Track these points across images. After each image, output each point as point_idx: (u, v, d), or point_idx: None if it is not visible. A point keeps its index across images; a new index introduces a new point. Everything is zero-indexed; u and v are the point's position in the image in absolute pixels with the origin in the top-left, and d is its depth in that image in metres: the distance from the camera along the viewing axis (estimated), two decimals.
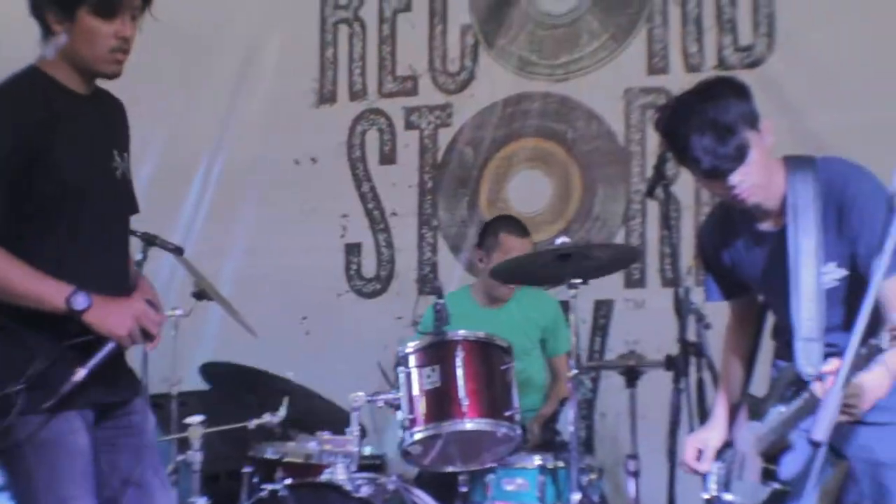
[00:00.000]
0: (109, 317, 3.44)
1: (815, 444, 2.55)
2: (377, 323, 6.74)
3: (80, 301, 3.39)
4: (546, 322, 5.95)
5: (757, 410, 3.76)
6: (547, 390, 5.94)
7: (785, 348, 3.81)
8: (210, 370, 5.90)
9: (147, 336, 3.52)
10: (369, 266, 7.01)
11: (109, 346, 3.44)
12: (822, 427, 2.53)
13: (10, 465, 3.49)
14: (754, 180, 3.51)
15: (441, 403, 4.61)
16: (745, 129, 3.46)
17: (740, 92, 3.56)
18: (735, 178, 3.48)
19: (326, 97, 7.20)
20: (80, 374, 3.41)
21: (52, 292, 3.39)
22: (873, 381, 3.15)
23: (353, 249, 7.05)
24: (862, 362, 3.00)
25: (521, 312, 5.95)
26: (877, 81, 6.01)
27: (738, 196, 3.54)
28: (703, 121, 3.46)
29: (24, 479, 3.45)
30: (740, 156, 3.45)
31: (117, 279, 3.63)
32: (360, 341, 6.49)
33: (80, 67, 3.60)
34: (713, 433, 3.98)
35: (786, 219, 3.58)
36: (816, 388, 3.27)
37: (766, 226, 3.68)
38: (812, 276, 3.54)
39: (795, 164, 3.63)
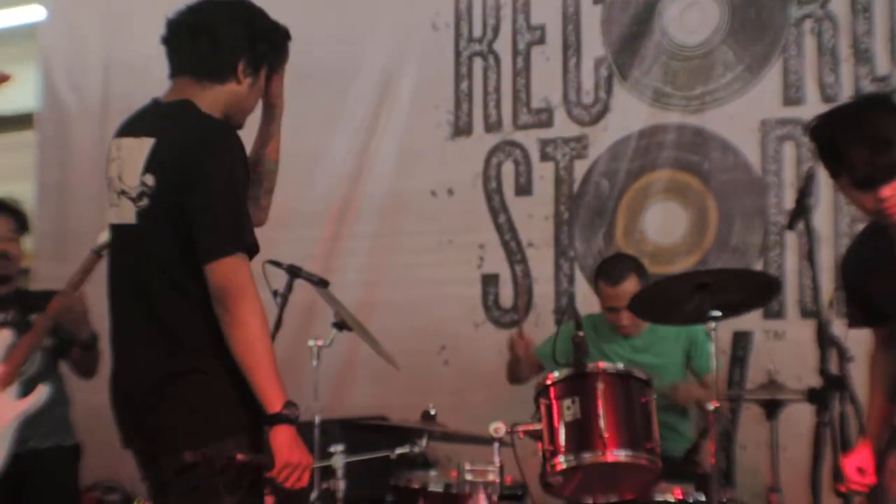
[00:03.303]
0: (295, 446, 3.59)
1: None
2: None
3: (294, 412, 3.56)
4: (687, 342, 5.97)
5: None
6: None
7: None
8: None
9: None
10: (506, 296, 7.08)
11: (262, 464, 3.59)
12: None
13: None
14: None
15: (582, 435, 4.64)
16: None
17: None
18: (887, 191, 3.52)
19: (462, 129, 7.28)
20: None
21: (279, 390, 3.55)
22: None
23: (490, 280, 7.12)
24: None
25: (658, 337, 6.00)
26: None
27: (886, 210, 3.56)
28: (863, 131, 3.51)
29: None
30: (895, 169, 3.48)
31: None
32: (499, 371, 6.51)
33: (233, 116, 3.82)
34: (866, 451, 4.01)
35: None
36: None
37: None
38: None
39: None
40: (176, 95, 3.79)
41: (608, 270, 6.02)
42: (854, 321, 4.09)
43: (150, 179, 3.61)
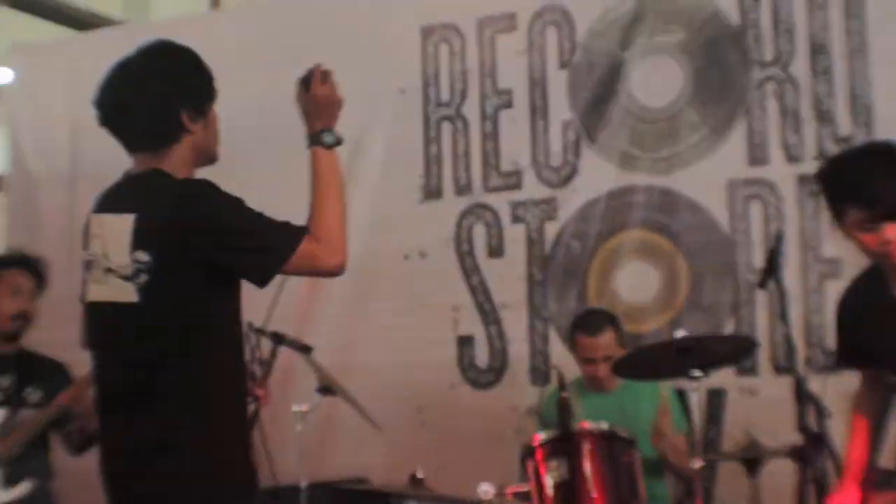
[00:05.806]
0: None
1: None
2: (492, 413, 6.87)
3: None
4: (657, 403, 5.96)
5: (885, 483, 3.90)
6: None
7: None
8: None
9: None
10: (482, 358, 7.16)
11: None
12: None
13: None
14: None
15: (570, 496, 4.74)
16: None
17: None
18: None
19: (433, 192, 7.40)
20: None
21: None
22: None
23: (465, 341, 7.21)
24: None
25: (629, 397, 6.05)
26: None
27: (890, 249, 3.69)
28: (890, 165, 3.65)
29: None
30: None
31: None
32: (477, 431, 6.60)
33: (204, 158, 3.84)
34: (851, 490, 4.11)
35: None
36: None
37: None
38: None
39: None
40: (144, 166, 3.77)
41: (586, 322, 6.11)
42: (844, 362, 4.20)
43: (142, 256, 3.59)
